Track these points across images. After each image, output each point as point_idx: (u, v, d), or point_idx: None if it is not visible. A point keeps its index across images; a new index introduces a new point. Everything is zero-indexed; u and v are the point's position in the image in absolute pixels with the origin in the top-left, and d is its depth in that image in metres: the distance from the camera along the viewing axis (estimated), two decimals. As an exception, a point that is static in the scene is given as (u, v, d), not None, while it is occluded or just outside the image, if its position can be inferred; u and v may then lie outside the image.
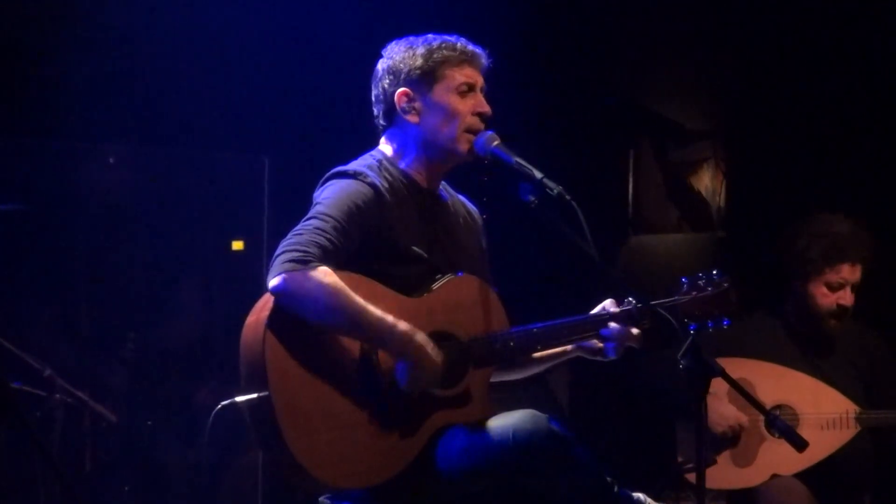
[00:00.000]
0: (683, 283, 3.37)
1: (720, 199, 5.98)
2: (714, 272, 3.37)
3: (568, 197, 3.14)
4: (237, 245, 5.75)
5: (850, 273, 4.51)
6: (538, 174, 3.19)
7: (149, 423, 5.50)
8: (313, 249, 3.10)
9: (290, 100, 5.53)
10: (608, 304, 3.36)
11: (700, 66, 6.01)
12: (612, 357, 3.36)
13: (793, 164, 5.69)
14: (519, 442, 3.07)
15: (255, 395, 3.09)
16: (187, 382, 5.64)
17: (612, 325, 3.32)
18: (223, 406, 3.23)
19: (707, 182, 6.03)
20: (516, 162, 3.23)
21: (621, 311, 3.32)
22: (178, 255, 5.70)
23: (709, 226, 6.04)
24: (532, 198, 3.18)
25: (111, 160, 5.65)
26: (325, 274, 3.08)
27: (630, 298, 3.30)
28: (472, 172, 3.42)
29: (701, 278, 3.36)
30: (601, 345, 3.36)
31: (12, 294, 5.31)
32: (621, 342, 3.33)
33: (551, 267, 5.60)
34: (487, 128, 3.33)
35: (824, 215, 4.60)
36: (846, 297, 4.51)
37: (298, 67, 5.50)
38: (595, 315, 3.35)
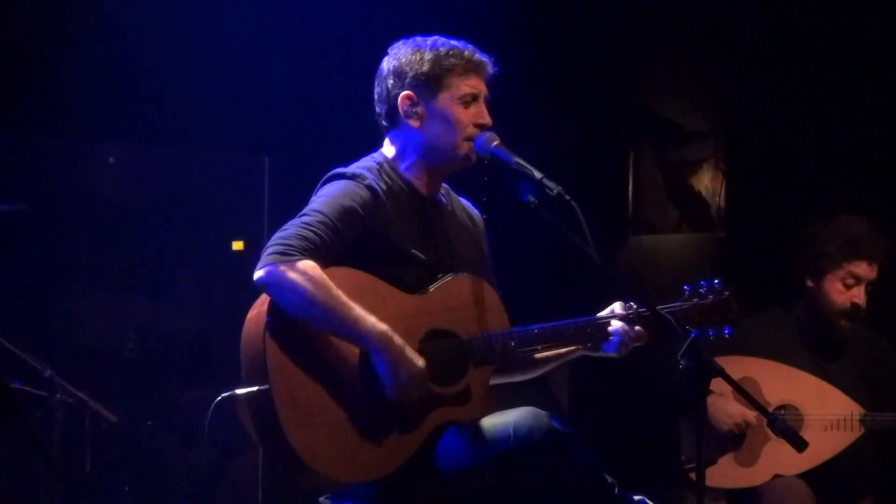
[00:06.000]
0: (685, 290, 3.37)
1: (720, 199, 5.97)
2: (716, 281, 3.37)
3: (568, 197, 3.13)
4: (237, 245, 5.74)
5: (866, 271, 4.49)
6: (538, 174, 3.19)
7: (149, 423, 5.50)
8: (296, 242, 3.11)
9: (290, 100, 5.53)
10: (617, 308, 3.35)
11: (700, 66, 6.01)
12: (617, 356, 3.35)
13: (793, 165, 5.69)
14: (519, 438, 3.08)
15: (255, 388, 3.09)
16: (187, 382, 5.63)
17: (619, 325, 3.31)
18: (223, 398, 3.23)
19: (707, 182, 6.02)
20: (516, 162, 3.23)
21: (625, 315, 3.31)
22: (178, 255, 5.69)
23: (709, 226, 6.03)
24: (532, 198, 3.18)
25: (111, 160, 5.64)
26: (308, 267, 3.09)
27: (632, 304, 3.31)
28: (471, 172, 3.42)
29: (702, 286, 3.37)
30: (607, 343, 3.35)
31: (12, 294, 5.30)
32: (627, 343, 3.32)
33: (551, 267, 5.60)
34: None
35: (844, 216, 4.58)
36: (860, 296, 4.49)
37: (298, 68, 5.49)
38: (598, 318, 3.34)
